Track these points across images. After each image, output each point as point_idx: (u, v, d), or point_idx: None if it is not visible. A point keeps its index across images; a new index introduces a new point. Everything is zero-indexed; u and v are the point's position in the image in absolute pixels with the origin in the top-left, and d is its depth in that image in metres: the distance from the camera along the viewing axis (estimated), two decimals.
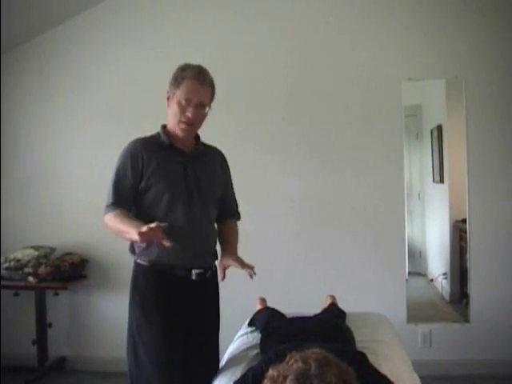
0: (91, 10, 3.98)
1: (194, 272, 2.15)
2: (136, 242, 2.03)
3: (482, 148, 3.69)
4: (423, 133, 3.97)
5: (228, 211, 2.38)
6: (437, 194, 4.00)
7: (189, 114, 2.12)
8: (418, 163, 3.96)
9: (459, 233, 3.80)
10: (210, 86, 2.18)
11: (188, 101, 2.12)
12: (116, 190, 2.12)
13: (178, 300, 2.12)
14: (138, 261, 2.17)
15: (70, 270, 3.85)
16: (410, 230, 3.86)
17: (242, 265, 2.17)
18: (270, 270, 3.80)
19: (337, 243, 3.83)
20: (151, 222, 2.02)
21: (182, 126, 2.14)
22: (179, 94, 2.12)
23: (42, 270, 3.73)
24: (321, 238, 3.85)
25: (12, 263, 3.79)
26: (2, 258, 3.86)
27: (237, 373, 2.07)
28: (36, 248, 3.88)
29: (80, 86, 4.05)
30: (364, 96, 3.80)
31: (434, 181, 3.96)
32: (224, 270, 2.20)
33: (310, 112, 3.85)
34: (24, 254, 3.83)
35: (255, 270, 2.18)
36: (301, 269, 3.82)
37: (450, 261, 3.87)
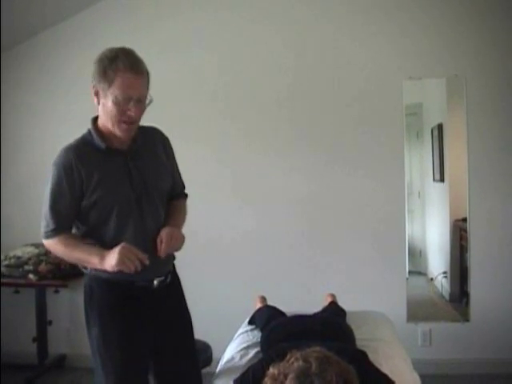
0: (91, 9, 3.97)
1: (155, 282, 1.97)
2: (104, 270, 1.86)
3: (482, 146, 3.68)
4: (424, 131, 3.96)
5: (175, 195, 2.14)
6: (437, 193, 3.99)
7: (131, 113, 1.83)
8: (418, 162, 3.94)
9: (459, 232, 3.80)
10: (146, 74, 1.89)
11: (127, 99, 1.82)
12: (55, 214, 1.89)
13: (140, 311, 1.95)
14: (93, 274, 1.95)
15: (71, 268, 3.82)
16: (410, 229, 3.85)
17: (161, 237, 1.92)
18: (271, 268, 3.81)
19: (337, 242, 3.83)
20: (101, 239, 1.90)
21: (124, 126, 1.86)
22: (115, 91, 1.81)
23: (42, 267, 3.73)
24: (321, 237, 3.85)
25: (12, 261, 3.79)
26: (2, 256, 3.86)
27: (237, 371, 2.08)
28: (36, 246, 3.87)
29: (80, 84, 4.02)
30: (365, 95, 3.79)
31: (434, 180, 3.95)
32: (161, 242, 1.92)
33: (311, 111, 3.84)
34: (24, 251, 3.83)
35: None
36: (301, 267, 3.82)
37: (450, 260, 3.86)
